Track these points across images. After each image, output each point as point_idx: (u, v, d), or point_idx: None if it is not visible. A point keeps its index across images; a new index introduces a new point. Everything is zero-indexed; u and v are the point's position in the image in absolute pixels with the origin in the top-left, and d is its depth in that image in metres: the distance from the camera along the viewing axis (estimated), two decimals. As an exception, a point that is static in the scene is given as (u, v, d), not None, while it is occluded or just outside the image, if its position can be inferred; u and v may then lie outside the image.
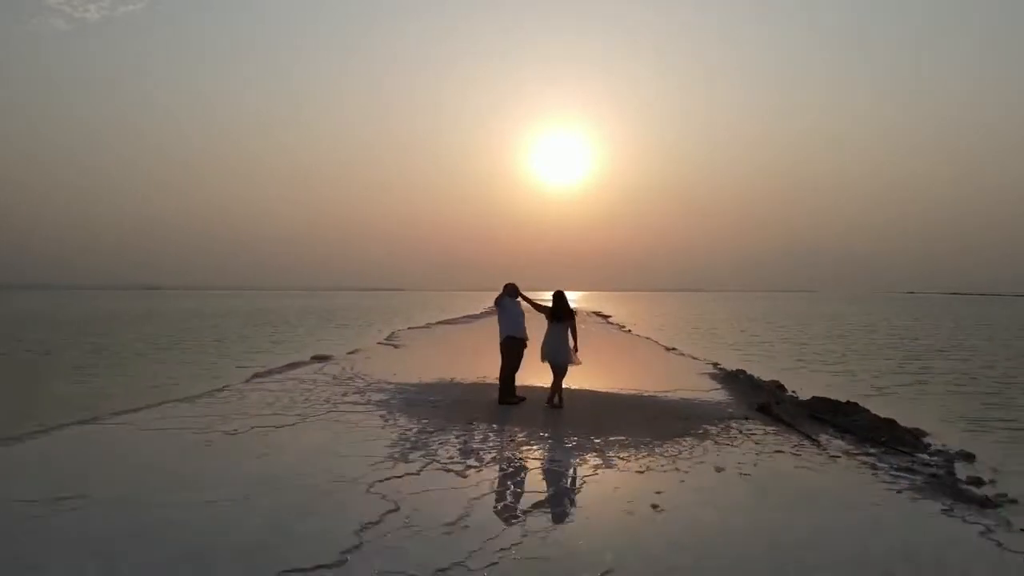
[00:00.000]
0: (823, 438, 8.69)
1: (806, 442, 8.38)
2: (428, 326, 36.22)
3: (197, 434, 8.43)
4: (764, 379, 14.38)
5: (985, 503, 5.95)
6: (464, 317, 46.96)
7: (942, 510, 5.78)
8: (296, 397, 11.39)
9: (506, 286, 11.19)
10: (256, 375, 14.90)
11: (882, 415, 9.98)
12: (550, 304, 10.82)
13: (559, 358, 10.67)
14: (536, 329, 11.10)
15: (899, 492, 6.30)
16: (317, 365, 16.67)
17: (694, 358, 19.61)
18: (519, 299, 11.14)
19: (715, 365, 17.34)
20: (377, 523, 5.28)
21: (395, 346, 22.95)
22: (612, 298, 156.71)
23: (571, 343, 10.67)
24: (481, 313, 53.96)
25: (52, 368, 18.03)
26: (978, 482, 6.81)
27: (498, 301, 11.04)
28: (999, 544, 5.00)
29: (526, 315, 11.09)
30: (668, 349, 22.58)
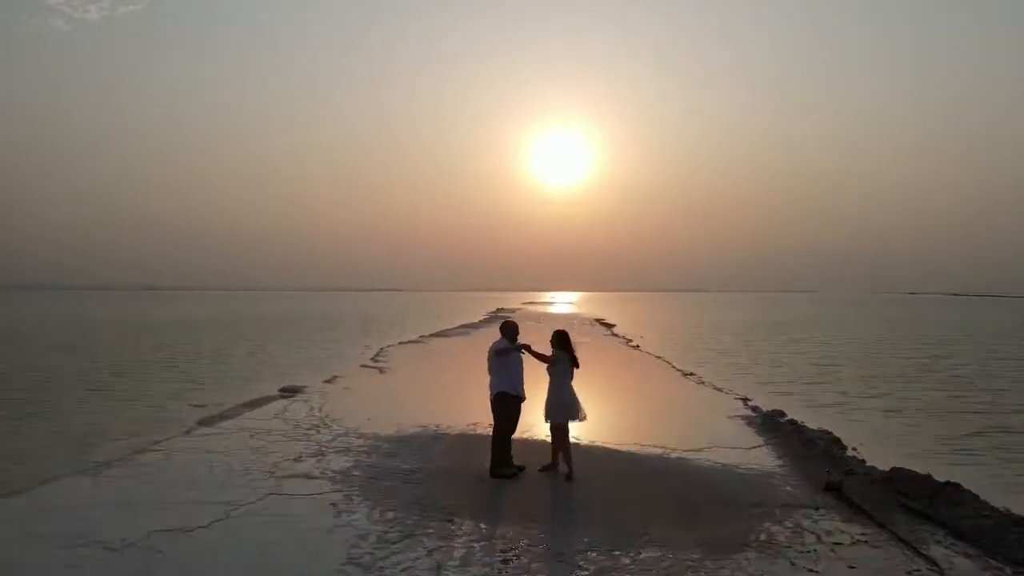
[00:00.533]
0: (934, 548, 6.29)
1: (919, 560, 5.98)
2: (421, 339, 33.80)
3: (65, 549, 6.04)
4: (811, 426, 11.97)
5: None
6: (460, 327, 44.56)
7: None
8: (235, 465, 9.00)
9: (505, 326, 8.88)
10: (202, 421, 12.50)
11: (994, 500, 7.59)
12: (549, 352, 8.56)
13: (570, 414, 8.41)
14: (534, 377, 8.74)
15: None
16: (283, 403, 14.30)
17: (717, 389, 17.20)
18: (519, 347, 8.71)
19: (745, 402, 14.92)
20: None
21: (380, 370, 20.57)
22: (612, 299, 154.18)
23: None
24: (479, 322, 51.59)
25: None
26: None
27: (498, 349, 8.61)
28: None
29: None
30: (685, 375, 20.12)
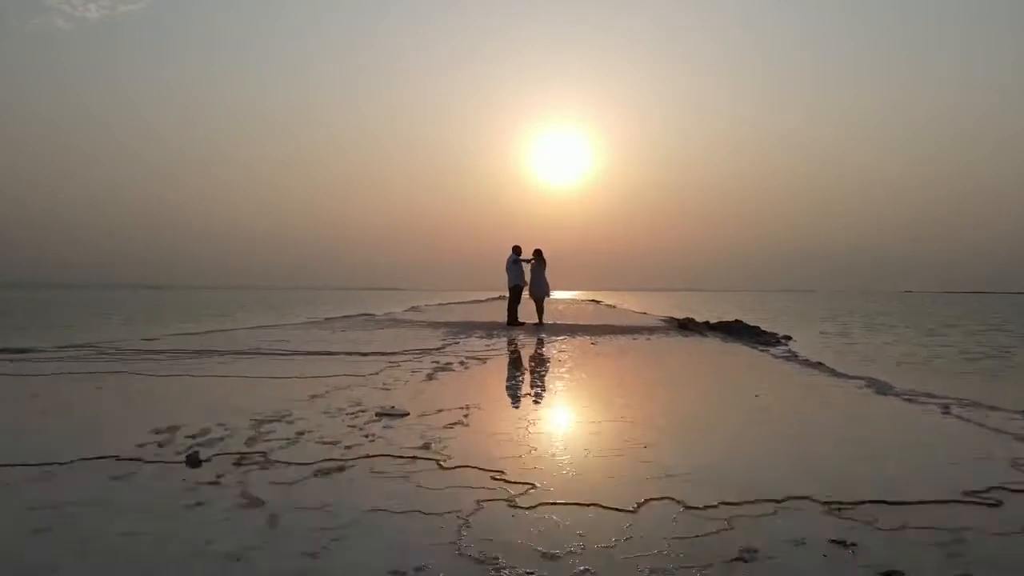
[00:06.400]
0: (709, 335, 13.98)
1: (695, 335, 13.68)
2: (441, 304, 41.55)
3: (326, 330, 13.73)
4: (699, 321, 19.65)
5: (771, 344, 11.24)
6: (472, 300, 52.20)
7: (747, 347, 11.06)
8: (367, 324, 16.68)
9: (515, 247, 16.49)
10: (327, 318, 20.22)
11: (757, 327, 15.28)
12: (531, 259, 16.19)
13: (536, 292, 15.95)
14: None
15: (729, 344, 11.59)
16: (367, 316, 21.99)
17: (657, 316, 24.97)
18: (520, 260, 16.39)
19: (669, 317, 22.67)
20: (450, 344, 10.57)
21: (419, 311, 28.28)
22: (612, 296, 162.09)
23: (544, 284, 15.89)
24: (486, 300, 59.35)
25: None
26: (779, 343, 12.09)
27: (512, 260, 16.24)
28: (763, 353, 10.32)
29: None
30: (639, 312, 27.88)
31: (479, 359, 8.55)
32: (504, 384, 6.63)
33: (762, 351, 10.47)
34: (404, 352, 9.26)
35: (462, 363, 8.03)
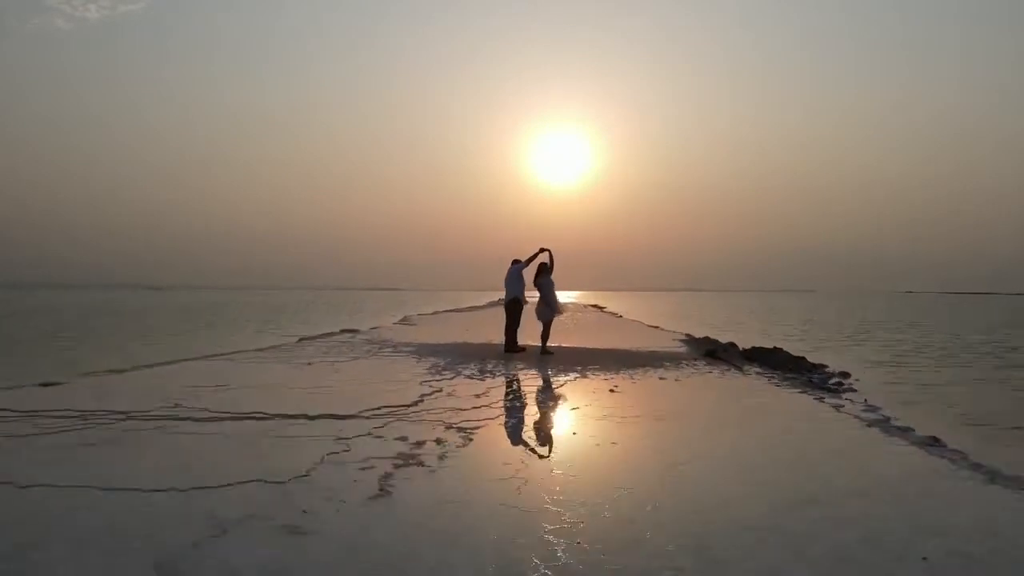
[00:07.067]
0: (747, 368, 11.67)
1: (732, 369, 11.37)
2: (436, 313, 39.22)
3: (285, 363, 11.43)
4: (724, 341, 17.35)
5: (834, 390, 8.93)
6: (469, 307, 49.93)
7: (799, 392, 8.76)
8: (342, 350, 14.37)
9: (514, 261, 14.15)
10: (302, 339, 17.90)
11: (798, 354, 12.97)
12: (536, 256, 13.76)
13: (539, 315, 13.60)
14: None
15: (778, 386, 9.28)
16: (347, 335, 19.67)
17: (671, 331, 22.63)
18: (521, 265, 14.05)
19: (687, 335, 20.34)
20: (430, 394, 8.26)
21: (410, 325, 25.96)
22: (612, 297, 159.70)
23: (553, 302, 13.54)
24: (485, 304, 57.02)
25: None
26: (839, 383, 9.79)
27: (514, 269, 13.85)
28: (820, 400, 7.99)
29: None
30: (650, 327, 25.58)
31: (465, 430, 6.24)
32: (499, 504, 4.21)
33: (828, 402, 8.14)
34: (364, 415, 6.95)
35: (439, 442, 5.72)
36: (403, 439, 5.78)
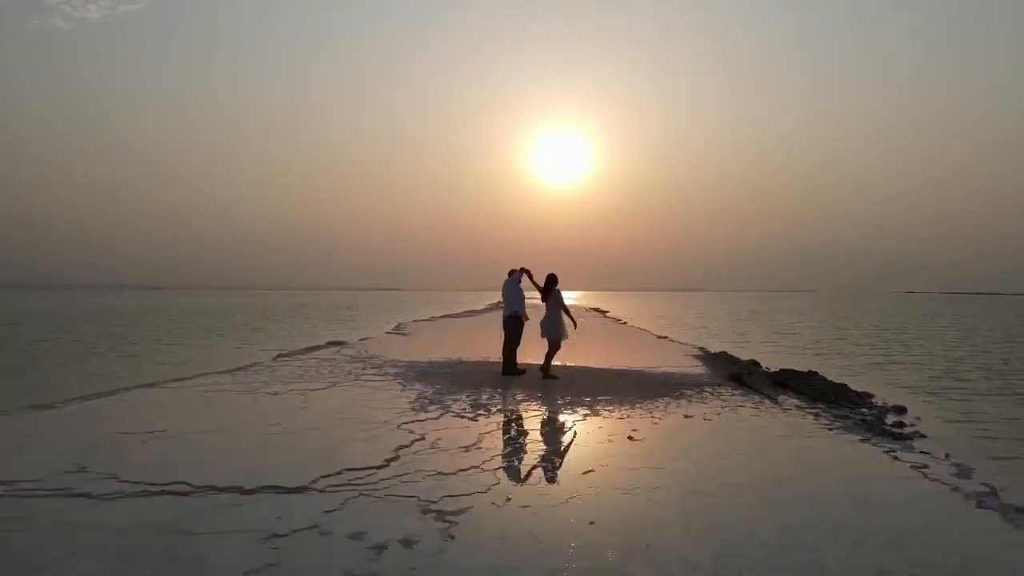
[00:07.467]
0: (781, 398, 10.10)
1: (766, 401, 9.79)
2: (432, 319, 37.64)
3: (248, 393, 9.86)
4: (743, 358, 15.77)
5: (898, 436, 7.35)
6: (466, 312, 48.36)
7: (860, 439, 7.19)
8: (321, 371, 12.80)
9: (511, 271, 12.58)
10: (278, 356, 16.31)
11: (838, 382, 11.39)
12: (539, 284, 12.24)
13: (545, 334, 12.01)
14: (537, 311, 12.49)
15: (830, 429, 7.72)
16: (333, 348, 18.08)
17: (682, 343, 21.03)
18: (520, 280, 12.50)
19: (700, 349, 18.75)
20: (408, 446, 6.69)
21: (403, 335, 24.37)
22: (612, 297, 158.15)
23: (564, 321, 11.99)
24: (483, 308, 55.40)
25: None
26: (900, 424, 8.21)
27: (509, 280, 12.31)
28: (891, 455, 6.41)
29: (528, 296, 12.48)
30: (659, 337, 23.99)
31: (446, 516, 4.67)
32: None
33: (902, 458, 6.55)
34: (316, 486, 5.39)
35: (406, 543, 4.15)
36: (358, 537, 4.22)
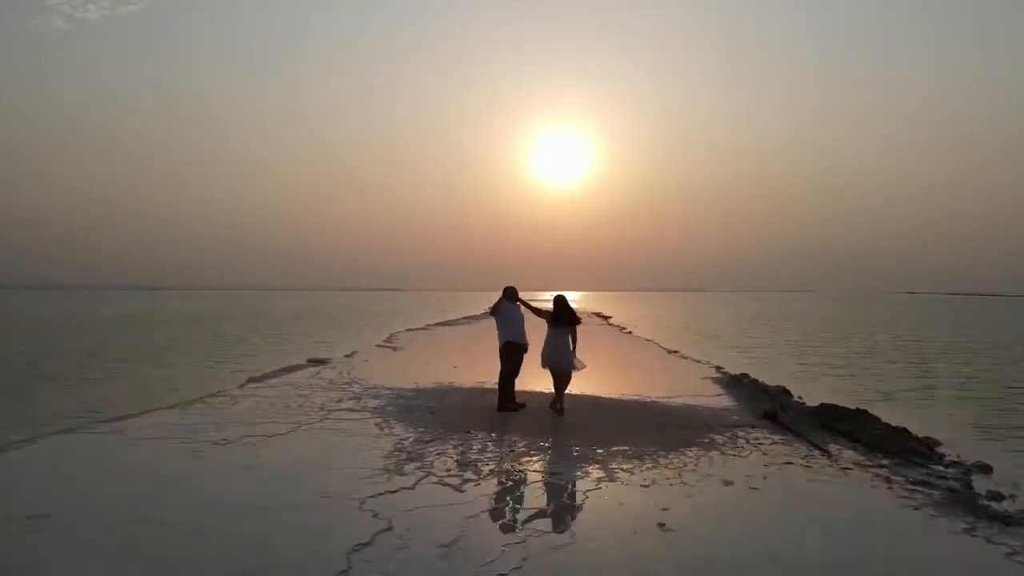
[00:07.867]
0: (832, 447, 8.39)
1: (815, 452, 8.08)
2: (427, 327, 35.94)
3: (185, 444, 8.15)
4: (769, 384, 14.07)
5: (1009, 521, 5.65)
6: (464, 318, 46.69)
7: (964, 529, 5.48)
8: (290, 404, 11.09)
9: (505, 289, 10.88)
10: (250, 380, 14.60)
11: (893, 423, 9.68)
12: (550, 307, 10.53)
13: (560, 364, 10.36)
14: (536, 330, 10.78)
15: (916, 509, 6.01)
16: (313, 369, 16.39)
17: (696, 361, 19.32)
18: (518, 303, 10.83)
19: (718, 369, 17.04)
20: (368, 544, 4.99)
21: (393, 348, 22.67)
22: (612, 298, 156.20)
23: (571, 348, 10.34)
24: (481, 314, 53.65)
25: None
26: (998, 496, 6.51)
27: (496, 307, 10.72)
28: (1011, 555, 4.71)
29: (525, 319, 10.78)
30: (670, 352, 22.27)
31: None
32: None
33: (1008, 552, 4.89)
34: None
35: None
36: None
